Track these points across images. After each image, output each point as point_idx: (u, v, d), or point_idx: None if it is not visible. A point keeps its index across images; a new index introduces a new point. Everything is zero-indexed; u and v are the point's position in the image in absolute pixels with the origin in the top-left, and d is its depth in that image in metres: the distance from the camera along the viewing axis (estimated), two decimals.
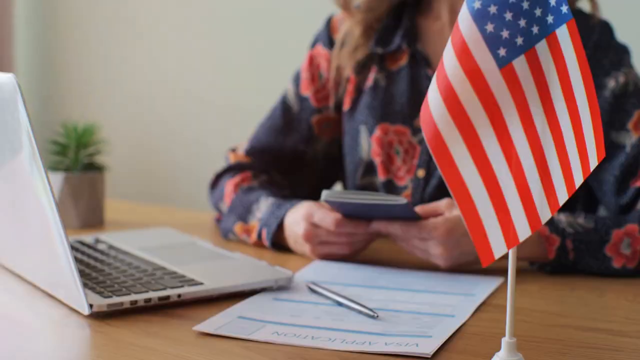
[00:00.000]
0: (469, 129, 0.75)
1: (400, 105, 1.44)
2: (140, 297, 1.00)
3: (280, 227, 1.31)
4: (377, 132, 1.44)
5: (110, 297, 1.00)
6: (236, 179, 1.46)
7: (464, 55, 0.74)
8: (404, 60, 1.46)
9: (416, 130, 1.42)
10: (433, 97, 0.75)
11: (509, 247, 0.76)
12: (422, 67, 1.44)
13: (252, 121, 1.63)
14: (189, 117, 2.61)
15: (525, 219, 0.75)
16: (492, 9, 0.74)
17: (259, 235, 1.34)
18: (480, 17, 0.74)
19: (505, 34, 0.74)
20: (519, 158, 0.75)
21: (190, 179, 2.60)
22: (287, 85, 1.56)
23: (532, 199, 0.75)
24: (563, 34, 0.75)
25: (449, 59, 0.75)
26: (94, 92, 2.79)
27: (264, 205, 1.36)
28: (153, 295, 1.01)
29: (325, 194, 1.19)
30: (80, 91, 2.80)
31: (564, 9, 0.75)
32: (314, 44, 1.55)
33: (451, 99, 0.75)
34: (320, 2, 2.37)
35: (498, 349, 0.85)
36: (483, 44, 0.74)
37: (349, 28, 1.49)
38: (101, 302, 0.98)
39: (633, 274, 1.20)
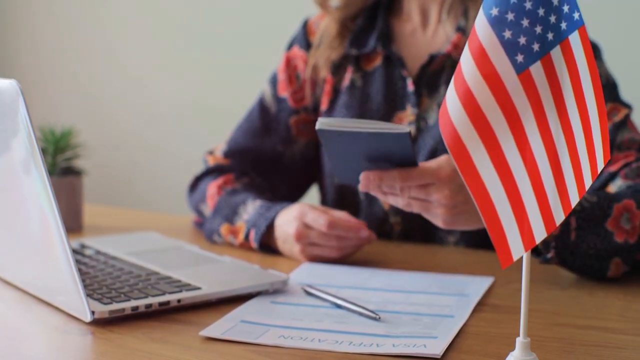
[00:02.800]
0: (488, 133, 0.76)
1: (377, 105, 1.46)
2: (140, 303, 0.99)
3: (269, 228, 1.31)
4: None
5: (110, 303, 0.99)
6: (219, 181, 1.46)
7: (482, 60, 0.75)
8: (378, 61, 1.48)
9: None
10: (452, 101, 0.76)
11: (526, 249, 0.77)
12: (396, 68, 1.46)
13: (229, 123, 1.62)
14: (148, 119, 2.59)
15: (541, 221, 0.77)
16: (510, 16, 0.75)
17: (246, 236, 1.34)
18: (497, 23, 0.75)
19: (522, 40, 0.75)
20: (535, 161, 0.77)
21: (154, 182, 2.58)
22: (264, 87, 1.56)
23: (547, 201, 0.77)
24: (575, 40, 0.76)
25: (466, 64, 0.76)
26: (51, 96, 2.75)
27: (251, 207, 1.36)
28: (153, 300, 1.01)
29: (320, 122, 1.09)
30: (36, 95, 2.76)
31: (576, 15, 0.76)
32: (290, 46, 1.56)
33: (470, 104, 0.76)
34: (284, 4, 2.38)
35: (503, 348, 0.87)
36: (501, 50, 0.75)
37: (325, 27, 1.50)
38: (103, 309, 0.97)
39: (635, 249, 1.18)
